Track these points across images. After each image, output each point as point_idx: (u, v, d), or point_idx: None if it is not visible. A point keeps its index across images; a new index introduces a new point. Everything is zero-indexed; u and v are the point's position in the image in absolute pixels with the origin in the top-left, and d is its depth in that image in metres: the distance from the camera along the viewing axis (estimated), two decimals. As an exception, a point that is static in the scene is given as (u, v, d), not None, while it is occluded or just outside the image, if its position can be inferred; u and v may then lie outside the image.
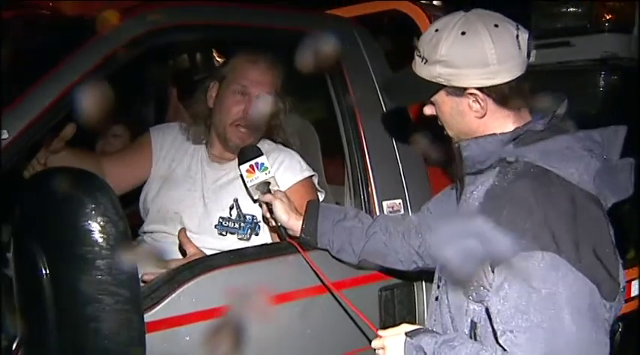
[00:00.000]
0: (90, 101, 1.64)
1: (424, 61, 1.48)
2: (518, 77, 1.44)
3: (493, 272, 1.35)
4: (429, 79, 1.48)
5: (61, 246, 1.13)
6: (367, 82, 2.12)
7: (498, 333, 1.32)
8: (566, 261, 1.28)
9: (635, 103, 2.48)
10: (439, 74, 1.46)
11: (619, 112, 2.70)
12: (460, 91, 1.46)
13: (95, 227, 1.10)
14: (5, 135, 1.41)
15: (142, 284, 1.72)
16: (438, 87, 1.48)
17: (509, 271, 1.31)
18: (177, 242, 2.01)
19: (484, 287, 1.38)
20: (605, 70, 2.80)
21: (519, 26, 1.45)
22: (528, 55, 1.45)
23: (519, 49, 1.43)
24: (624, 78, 2.79)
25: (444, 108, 1.51)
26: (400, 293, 1.97)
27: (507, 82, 1.44)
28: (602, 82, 2.82)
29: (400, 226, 1.84)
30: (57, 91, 1.53)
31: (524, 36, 1.44)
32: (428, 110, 1.56)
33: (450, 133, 1.56)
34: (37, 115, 1.48)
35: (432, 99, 1.52)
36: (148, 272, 1.74)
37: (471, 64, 1.42)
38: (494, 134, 1.47)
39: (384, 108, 2.11)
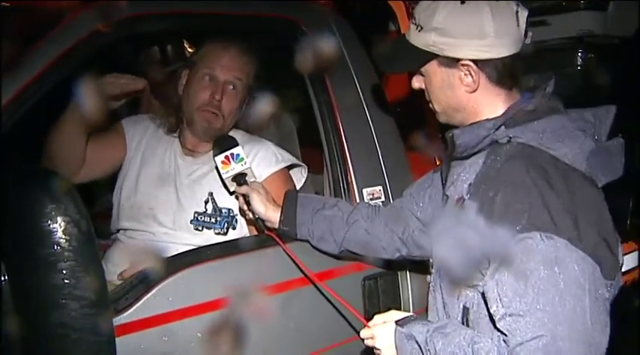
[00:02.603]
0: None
1: (419, 28, 1.44)
2: (514, 55, 1.40)
3: (487, 256, 1.32)
4: (422, 47, 1.44)
5: (20, 249, 1.07)
6: (344, 69, 2.07)
7: (496, 318, 1.29)
8: (567, 241, 1.25)
9: (612, 81, 2.47)
10: (434, 43, 1.42)
11: (596, 90, 2.69)
12: (453, 62, 1.42)
13: (56, 228, 1.04)
14: None
15: (120, 282, 1.67)
16: (430, 56, 1.44)
17: (506, 254, 1.28)
18: (153, 239, 1.97)
19: (478, 272, 1.34)
20: (582, 48, 2.78)
21: (520, 3, 1.41)
22: (525, 35, 1.41)
23: (518, 25, 1.40)
24: (601, 55, 2.78)
25: (435, 79, 1.47)
26: (384, 283, 1.94)
27: (502, 58, 1.40)
28: (579, 60, 2.81)
29: (382, 213, 1.80)
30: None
31: (523, 13, 1.41)
32: (416, 82, 1.52)
33: (438, 108, 1.52)
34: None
35: (423, 69, 1.48)
36: (127, 269, 1.69)
37: (467, 34, 1.38)
38: (487, 120, 1.43)
39: (362, 95, 2.07)
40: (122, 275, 1.84)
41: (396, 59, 1.56)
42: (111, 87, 1.91)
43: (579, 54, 2.81)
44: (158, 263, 1.64)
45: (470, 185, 1.42)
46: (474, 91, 1.44)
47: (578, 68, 2.82)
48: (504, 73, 1.42)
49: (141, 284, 1.54)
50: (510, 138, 1.39)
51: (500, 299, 1.28)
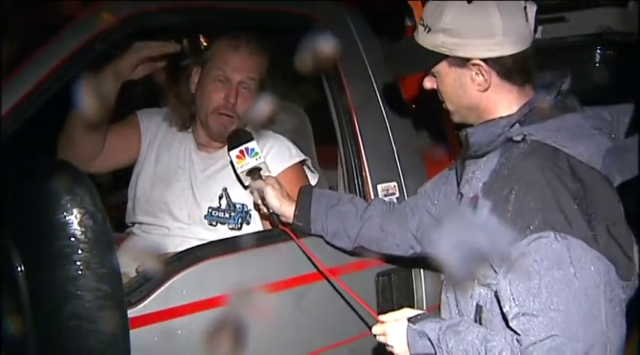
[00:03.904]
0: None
1: (427, 29, 1.43)
2: (524, 51, 1.39)
3: (500, 254, 1.31)
4: (431, 48, 1.43)
5: (36, 241, 1.07)
6: (359, 65, 2.07)
7: (509, 317, 1.28)
8: (581, 240, 1.24)
9: (631, 78, 2.43)
10: (442, 43, 1.41)
11: (615, 88, 2.66)
12: (463, 62, 1.41)
13: (72, 219, 1.04)
14: None
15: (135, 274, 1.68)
16: (440, 57, 1.43)
17: (520, 253, 1.27)
18: (168, 234, 1.98)
19: (491, 270, 1.34)
20: (601, 45, 2.75)
21: None
22: (535, 30, 1.40)
23: (527, 21, 1.38)
24: (620, 52, 2.74)
25: (446, 80, 1.46)
26: (397, 279, 1.93)
27: (512, 55, 1.39)
28: (597, 57, 2.77)
29: (396, 210, 1.79)
30: (37, 78, 1.48)
31: (532, 8, 1.40)
32: (428, 83, 1.51)
33: (451, 108, 1.51)
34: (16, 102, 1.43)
35: (433, 70, 1.47)
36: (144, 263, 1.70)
37: (476, 33, 1.37)
38: (501, 118, 1.42)
39: (377, 90, 2.06)
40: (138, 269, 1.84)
41: (406, 61, 1.55)
42: (139, 52, 1.89)
43: (598, 51, 2.77)
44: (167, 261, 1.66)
45: (484, 183, 1.41)
46: (486, 90, 1.43)
47: (597, 65, 2.78)
48: (515, 69, 1.41)
49: (155, 277, 1.54)
50: (525, 136, 1.38)
51: (513, 298, 1.27)
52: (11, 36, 1.66)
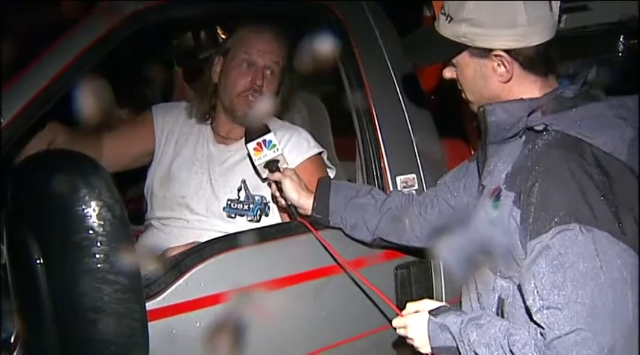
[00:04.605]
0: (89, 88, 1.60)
1: (449, 19, 1.41)
2: (548, 41, 1.37)
3: (524, 247, 1.29)
4: (452, 38, 1.41)
5: (54, 234, 1.07)
6: (377, 55, 2.04)
7: (533, 310, 1.26)
8: (607, 233, 1.22)
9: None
10: (464, 34, 1.39)
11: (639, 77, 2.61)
12: (485, 53, 1.39)
13: (90, 212, 1.04)
14: None
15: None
16: (461, 47, 1.41)
17: (544, 245, 1.25)
18: (187, 226, 1.98)
19: (514, 263, 1.32)
20: (624, 34, 2.70)
21: None
22: (559, 20, 1.38)
23: (551, 11, 1.36)
24: (644, 41, 2.70)
25: (467, 70, 1.44)
26: (417, 272, 1.91)
27: (536, 46, 1.36)
28: (620, 46, 2.73)
29: (415, 201, 1.78)
30: (52, 73, 1.46)
31: None
32: (448, 73, 1.49)
33: (471, 98, 1.49)
34: (31, 98, 1.42)
35: (454, 60, 1.45)
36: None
37: (498, 24, 1.35)
38: (522, 99, 1.39)
39: (396, 81, 2.04)
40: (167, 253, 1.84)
41: (427, 51, 1.53)
42: None
43: (621, 40, 2.72)
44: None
45: (507, 175, 1.39)
46: (508, 81, 1.40)
47: (620, 54, 2.73)
48: (538, 60, 1.38)
49: (173, 269, 1.54)
50: (546, 125, 1.35)
51: (537, 292, 1.25)
52: (11, 36, 1.66)
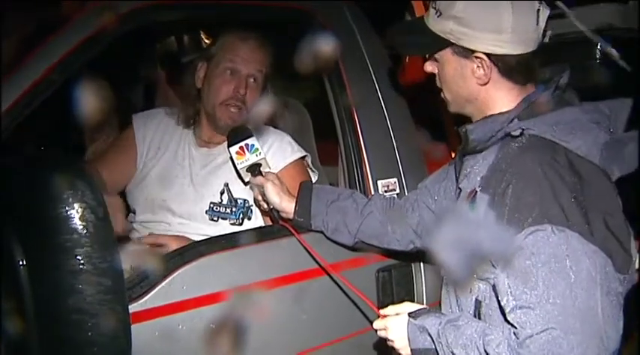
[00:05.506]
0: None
1: (438, 13, 1.43)
2: (530, 53, 1.39)
3: (498, 248, 1.31)
4: (439, 33, 1.43)
5: (37, 235, 1.08)
6: (359, 59, 2.06)
7: (507, 310, 1.28)
8: (578, 234, 1.24)
9: (631, 74, 2.43)
10: (451, 31, 1.41)
11: (615, 83, 2.65)
12: (467, 53, 1.41)
13: (73, 214, 1.05)
14: None
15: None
16: (445, 43, 1.43)
17: (517, 246, 1.27)
18: (169, 229, 1.98)
19: (489, 264, 1.34)
20: (601, 41, 2.74)
21: (542, 2, 1.39)
22: (544, 35, 1.40)
23: (537, 24, 1.38)
24: (620, 49, 2.74)
25: (447, 68, 1.46)
26: (398, 275, 1.93)
27: (517, 55, 1.39)
28: (597, 54, 2.77)
29: (397, 205, 1.80)
30: (33, 78, 1.47)
31: (545, 12, 1.39)
32: (429, 66, 1.51)
33: (449, 97, 1.51)
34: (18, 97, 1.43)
35: (437, 56, 1.47)
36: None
37: (485, 26, 1.37)
38: (501, 113, 1.42)
39: (378, 87, 2.06)
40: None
41: (412, 42, 1.55)
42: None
43: (598, 47, 2.76)
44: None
45: (482, 178, 1.42)
46: (485, 84, 1.43)
47: (597, 61, 2.77)
48: (518, 69, 1.41)
49: (156, 272, 1.54)
50: (523, 130, 1.38)
51: (510, 292, 1.27)
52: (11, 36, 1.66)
